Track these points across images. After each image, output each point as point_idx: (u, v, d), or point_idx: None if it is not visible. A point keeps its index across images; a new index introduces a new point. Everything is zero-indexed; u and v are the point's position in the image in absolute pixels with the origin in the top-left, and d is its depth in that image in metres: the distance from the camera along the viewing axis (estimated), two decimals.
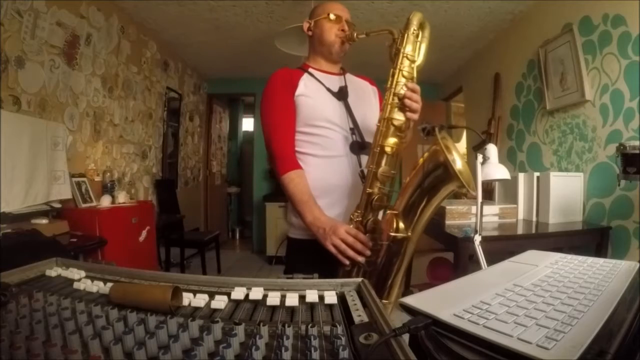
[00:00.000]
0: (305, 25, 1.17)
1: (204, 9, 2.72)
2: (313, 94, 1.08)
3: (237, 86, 4.70)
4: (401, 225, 0.83)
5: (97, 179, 2.48)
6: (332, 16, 1.10)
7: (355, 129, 1.08)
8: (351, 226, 0.93)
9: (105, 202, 2.37)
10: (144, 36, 3.11)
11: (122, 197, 2.56)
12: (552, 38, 2.32)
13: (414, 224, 0.83)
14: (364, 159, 1.05)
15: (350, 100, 1.11)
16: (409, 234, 0.83)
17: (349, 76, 1.20)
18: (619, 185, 1.38)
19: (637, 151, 1.26)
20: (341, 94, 1.10)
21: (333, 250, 0.91)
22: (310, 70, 1.14)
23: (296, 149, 1.08)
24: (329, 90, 1.10)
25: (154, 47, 3.26)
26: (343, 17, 1.12)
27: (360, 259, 0.90)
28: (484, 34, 3.12)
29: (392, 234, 0.83)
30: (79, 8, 2.27)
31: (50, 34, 2.04)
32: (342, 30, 1.10)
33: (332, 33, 1.11)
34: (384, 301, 0.88)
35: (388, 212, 0.86)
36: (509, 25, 2.91)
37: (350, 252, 0.89)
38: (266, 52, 3.39)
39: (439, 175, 0.78)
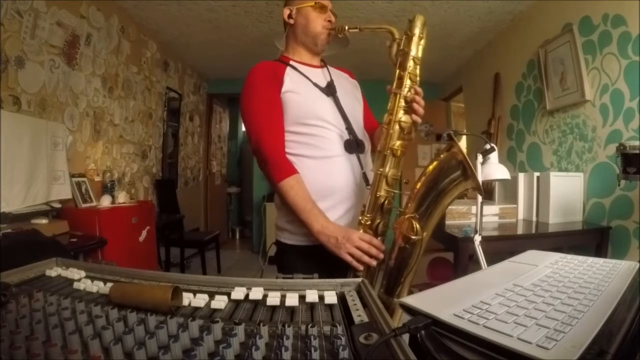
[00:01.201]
0: (286, 12, 1.08)
1: (204, 9, 2.72)
2: (301, 90, 1.01)
3: (237, 86, 4.63)
4: (418, 227, 0.83)
5: (97, 179, 2.48)
6: (317, 5, 1.04)
7: (348, 126, 1.03)
8: (361, 231, 0.92)
9: (105, 202, 2.37)
10: (144, 36, 3.11)
11: (122, 197, 2.56)
12: (552, 38, 2.32)
13: (426, 224, 0.84)
14: (361, 157, 1.02)
15: (338, 95, 1.05)
16: (424, 234, 0.84)
17: (331, 69, 1.14)
18: (619, 185, 1.38)
19: (637, 151, 1.26)
20: (330, 89, 1.05)
21: (349, 258, 0.89)
22: (293, 63, 1.06)
23: (287, 150, 1.00)
24: (316, 85, 1.04)
25: (154, 47, 3.26)
26: (328, 6, 1.06)
27: (374, 263, 0.89)
28: (484, 34, 3.12)
29: (413, 237, 0.83)
30: (79, 8, 2.27)
31: (50, 34, 2.04)
32: (329, 21, 1.05)
33: (318, 24, 1.04)
34: (396, 300, 0.88)
35: (407, 215, 0.85)
36: (509, 25, 2.91)
37: (366, 258, 0.88)
38: (266, 52, 3.39)
39: (455, 175, 0.80)
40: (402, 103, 0.91)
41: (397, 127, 0.92)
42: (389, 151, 0.92)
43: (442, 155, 0.83)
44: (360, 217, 0.94)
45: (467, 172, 0.78)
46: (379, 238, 0.92)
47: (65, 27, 2.17)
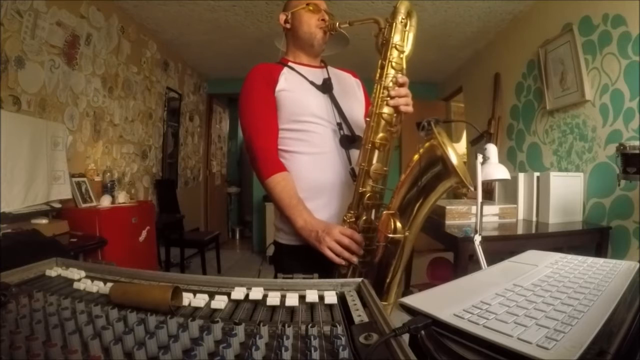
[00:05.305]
0: (282, 18, 1.10)
1: (204, 9, 2.72)
2: (295, 88, 1.02)
3: (237, 86, 4.61)
4: (398, 225, 0.80)
5: (97, 179, 2.48)
6: (310, 6, 1.05)
7: (343, 122, 1.02)
8: (345, 227, 0.90)
9: (105, 202, 2.37)
10: (144, 36, 3.11)
11: (122, 197, 2.56)
12: (552, 38, 2.32)
13: (410, 222, 0.81)
14: (354, 153, 1.01)
15: (335, 92, 1.06)
16: (406, 233, 0.81)
17: (330, 69, 1.15)
18: (619, 185, 1.38)
19: (637, 151, 1.26)
20: (325, 87, 1.05)
21: (329, 253, 0.87)
22: (290, 64, 1.08)
23: (281, 147, 1.01)
24: (312, 83, 1.05)
25: (154, 47, 3.26)
26: (321, 6, 1.07)
27: (355, 260, 0.87)
28: (484, 34, 3.12)
29: (390, 235, 0.80)
30: (79, 8, 2.27)
31: (50, 34, 2.04)
32: (323, 20, 1.05)
33: (312, 24, 1.05)
34: (382, 303, 0.86)
35: (384, 212, 0.83)
36: (509, 25, 2.91)
37: (346, 254, 0.86)
38: (266, 52, 3.39)
39: (437, 171, 0.75)
40: (385, 94, 0.88)
41: (379, 119, 0.88)
42: (370, 145, 0.89)
43: (421, 149, 0.77)
44: (344, 215, 0.92)
45: (448, 167, 0.72)
46: (361, 235, 0.89)
47: (65, 27, 2.16)
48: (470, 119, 3.77)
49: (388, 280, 0.86)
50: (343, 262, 0.87)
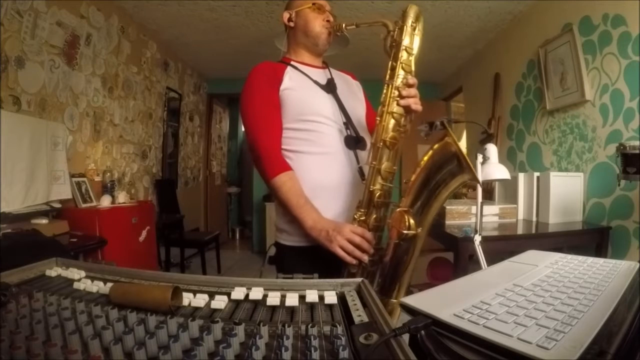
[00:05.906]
0: (285, 16, 1.10)
1: (204, 9, 2.73)
2: (300, 87, 1.02)
3: (237, 86, 4.63)
4: (412, 222, 0.81)
5: (97, 179, 2.48)
6: (316, 6, 1.06)
7: (348, 122, 1.03)
8: (355, 225, 0.90)
9: (105, 202, 2.37)
10: (144, 36, 3.11)
11: (122, 197, 2.56)
12: (552, 38, 2.32)
13: (422, 219, 0.82)
14: (360, 154, 1.01)
15: (339, 93, 1.06)
16: (419, 230, 0.82)
17: (332, 70, 1.15)
18: (619, 185, 1.38)
19: (637, 151, 1.26)
20: (330, 87, 1.06)
21: (340, 252, 0.87)
22: (294, 63, 1.08)
23: (285, 147, 1.01)
24: (316, 82, 1.05)
25: (154, 47, 3.26)
26: (326, 7, 1.08)
27: (366, 258, 0.87)
28: (484, 34, 3.12)
29: (405, 231, 0.80)
30: (79, 8, 2.28)
31: (50, 34, 2.04)
32: (328, 20, 1.06)
33: (317, 24, 1.05)
34: (392, 300, 0.86)
35: (397, 209, 0.83)
36: (508, 25, 2.91)
37: (358, 253, 0.86)
38: (266, 52, 3.39)
39: (449, 168, 0.77)
40: (395, 94, 0.91)
41: (389, 118, 0.91)
42: (382, 143, 0.90)
43: (435, 146, 0.80)
44: (354, 213, 0.93)
45: (462, 164, 0.75)
46: (370, 232, 0.90)
47: (65, 27, 2.16)
48: (470, 119, 3.77)
49: (399, 277, 0.86)
50: (354, 261, 0.87)
